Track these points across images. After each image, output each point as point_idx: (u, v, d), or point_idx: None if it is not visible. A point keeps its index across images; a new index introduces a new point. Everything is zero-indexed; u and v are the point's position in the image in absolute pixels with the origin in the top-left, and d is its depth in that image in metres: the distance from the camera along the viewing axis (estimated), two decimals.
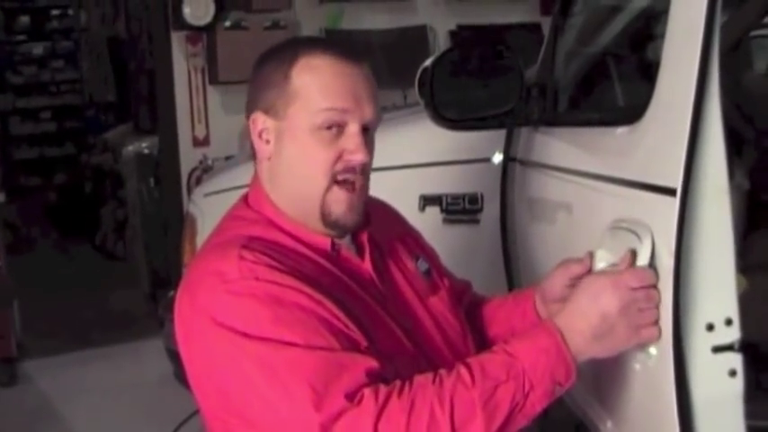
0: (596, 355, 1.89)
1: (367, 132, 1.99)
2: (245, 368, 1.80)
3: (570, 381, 1.85)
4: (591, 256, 2.08)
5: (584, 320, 1.85)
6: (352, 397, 1.74)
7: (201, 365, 1.91)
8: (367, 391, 1.75)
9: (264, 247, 1.89)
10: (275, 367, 1.78)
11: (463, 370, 1.80)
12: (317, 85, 1.94)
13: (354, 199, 1.99)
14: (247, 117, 2.03)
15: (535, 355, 1.82)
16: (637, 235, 1.92)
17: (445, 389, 1.77)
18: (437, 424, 1.75)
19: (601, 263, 2.02)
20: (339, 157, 1.95)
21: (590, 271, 2.05)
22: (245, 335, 1.80)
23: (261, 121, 1.99)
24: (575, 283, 2.06)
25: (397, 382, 1.78)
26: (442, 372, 1.81)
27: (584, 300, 1.88)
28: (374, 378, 1.78)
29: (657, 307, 1.88)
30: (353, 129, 1.95)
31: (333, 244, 1.99)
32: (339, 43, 2.09)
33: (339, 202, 1.97)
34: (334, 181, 1.96)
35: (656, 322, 1.88)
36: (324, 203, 1.96)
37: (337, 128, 1.95)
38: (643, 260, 1.90)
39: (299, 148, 1.96)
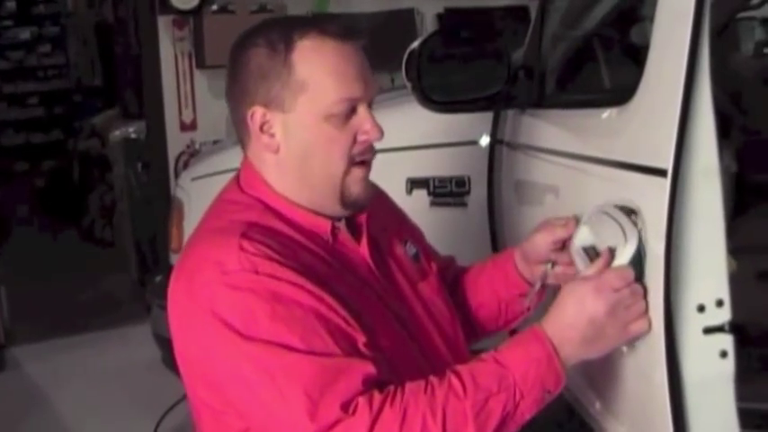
0: (587, 358, 1.89)
1: (371, 107, 1.97)
2: (241, 367, 1.79)
3: (559, 388, 1.85)
4: (576, 220, 2.08)
5: (573, 329, 1.85)
6: (347, 406, 1.73)
7: (195, 355, 1.89)
8: (361, 400, 1.73)
9: (263, 236, 1.85)
10: (271, 371, 1.76)
11: (455, 380, 1.79)
12: (327, 73, 1.90)
13: (368, 174, 1.99)
14: (237, 110, 1.96)
15: (526, 366, 1.82)
16: (623, 233, 1.91)
17: (437, 399, 1.76)
18: None
19: (581, 241, 2.03)
20: (354, 139, 1.93)
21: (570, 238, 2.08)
22: (242, 334, 1.77)
23: (260, 114, 1.92)
24: (558, 247, 2.11)
25: (390, 389, 1.76)
26: (434, 380, 1.80)
27: (571, 308, 1.87)
28: (370, 384, 1.76)
29: (644, 298, 1.88)
30: (364, 108, 1.94)
31: (333, 228, 1.97)
32: (328, 20, 2.04)
33: (357, 181, 1.96)
34: (352, 163, 1.94)
35: (644, 315, 1.88)
36: (344, 186, 1.94)
37: (349, 110, 1.93)
38: (624, 259, 1.89)
39: (314, 136, 1.92)
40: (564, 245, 2.11)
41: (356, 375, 1.75)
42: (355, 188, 1.95)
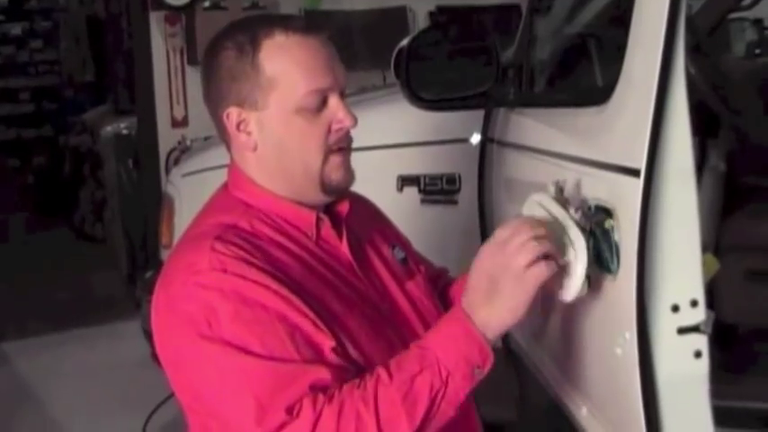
0: (504, 321, 1.84)
1: (343, 96, 1.99)
2: (204, 368, 1.81)
3: (488, 361, 1.83)
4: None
5: (477, 291, 1.84)
6: (292, 409, 1.74)
7: (172, 358, 1.91)
8: (306, 402, 1.75)
9: (238, 237, 1.88)
10: (228, 374, 1.78)
11: (381, 370, 1.81)
12: (295, 68, 1.92)
13: (348, 159, 2.00)
14: (215, 112, 2.00)
15: (445, 342, 1.82)
16: (573, 250, 1.90)
17: (368, 390, 1.78)
18: (364, 424, 1.75)
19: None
20: (329, 128, 1.95)
21: None
22: (205, 335, 1.79)
23: (236, 114, 1.95)
24: None
25: (333, 390, 1.78)
26: (366, 376, 1.81)
27: (473, 273, 1.87)
28: (319, 388, 1.77)
29: (542, 244, 1.82)
30: (335, 98, 1.95)
31: (317, 219, 1.99)
32: (291, 18, 2.06)
33: (337, 168, 1.97)
34: (329, 152, 1.96)
35: (537, 260, 1.81)
36: (323, 175, 1.96)
37: (320, 102, 1.95)
38: (578, 278, 1.88)
39: (289, 131, 1.94)
40: None
41: (306, 380, 1.76)
42: (335, 175, 1.97)
